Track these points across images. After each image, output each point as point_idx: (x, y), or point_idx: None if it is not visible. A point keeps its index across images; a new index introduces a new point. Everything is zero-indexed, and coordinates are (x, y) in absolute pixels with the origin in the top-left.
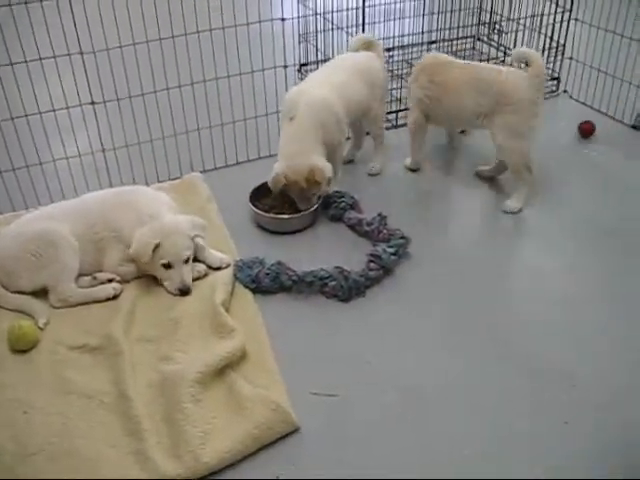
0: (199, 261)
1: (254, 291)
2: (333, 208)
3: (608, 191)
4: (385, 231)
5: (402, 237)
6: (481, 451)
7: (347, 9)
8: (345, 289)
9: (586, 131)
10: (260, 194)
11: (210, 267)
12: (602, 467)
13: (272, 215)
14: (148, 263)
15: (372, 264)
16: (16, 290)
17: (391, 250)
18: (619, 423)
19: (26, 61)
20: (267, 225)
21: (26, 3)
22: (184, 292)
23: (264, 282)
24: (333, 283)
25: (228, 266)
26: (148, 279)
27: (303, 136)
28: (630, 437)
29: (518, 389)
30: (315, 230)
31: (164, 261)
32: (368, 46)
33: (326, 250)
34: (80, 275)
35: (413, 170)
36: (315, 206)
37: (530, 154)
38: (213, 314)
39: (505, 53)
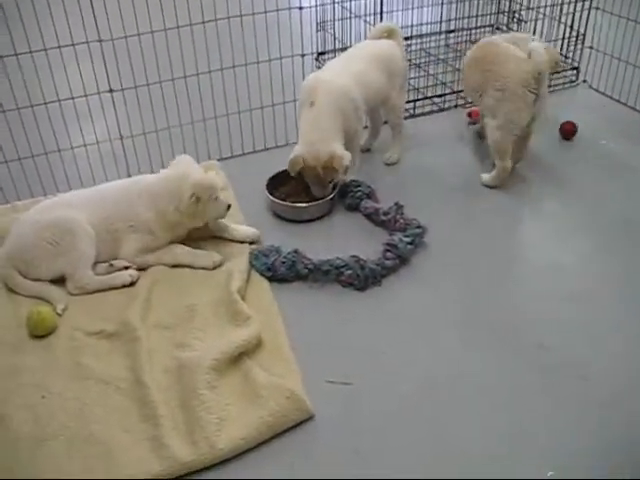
0: (221, 238)
1: (270, 279)
2: (350, 197)
3: (627, 183)
4: (401, 220)
5: (418, 226)
6: (492, 445)
7: None
8: (361, 278)
9: (568, 132)
10: (277, 182)
11: (234, 240)
12: (609, 464)
13: (289, 203)
14: (206, 208)
15: (388, 253)
16: (34, 278)
17: (407, 239)
18: (629, 420)
19: (45, 49)
20: (283, 213)
21: None
22: (229, 206)
23: (280, 270)
24: (349, 272)
25: (258, 239)
26: (165, 266)
27: (324, 123)
28: (637, 434)
29: (530, 384)
30: (331, 219)
31: (215, 195)
32: (389, 34)
33: (342, 239)
34: (97, 262)
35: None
36: (332, 195)
37: (505, 145)
38: (229, 302)
39: None
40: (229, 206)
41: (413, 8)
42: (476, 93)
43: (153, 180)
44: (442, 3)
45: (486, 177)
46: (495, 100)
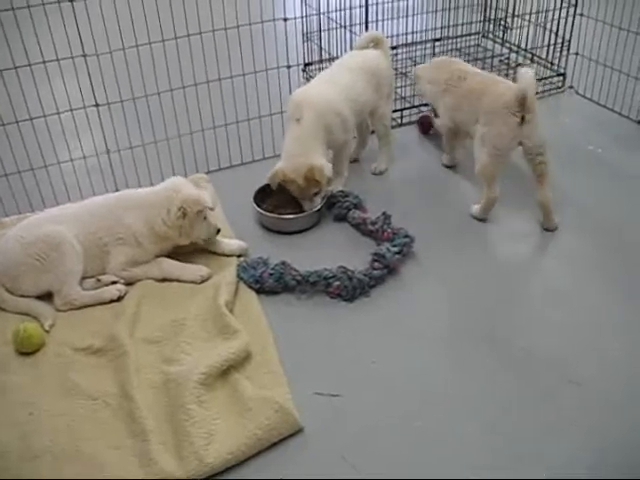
0: (209, 251)
1: (258, 291)
2: (337, 208)
3: (614, 188)
4: (389, 230)
5: (406, 236)
6: (484, 453)
7: (350, 8)
8: (349, 289)
9: (426, 126)
10: (264, 194)
11: (222, 254)
12: (604, 468)
13: (276, 215)
14: (193, 225)
15: (376, 263)
16: (21, 294)
17: (395, 249)
18: (624, 424)
19: (30, 64)
20: (271, 225)
21: (29, 7)
22: (218, 230)
23: (268, 282)
24: (337, 283)
25: (245, 251)
26: (152, 280)
27: (306, 138)
28: (635, 438)
29: (522, 390)
30: (319, 230)
31: (203, 213)
32: (375, 44)
33: (330, 250)
34: (84, 278)
35: (448, 167)
36: (319, 206)
37: (490, 171)
38: (217, 315)
39: (510, 49)
40: (219, 230)
41: (399, 17)
42: (475, 124)
43: (144, 191)
44: (428, 12)
45: (475, 209)
46: (483, 126)
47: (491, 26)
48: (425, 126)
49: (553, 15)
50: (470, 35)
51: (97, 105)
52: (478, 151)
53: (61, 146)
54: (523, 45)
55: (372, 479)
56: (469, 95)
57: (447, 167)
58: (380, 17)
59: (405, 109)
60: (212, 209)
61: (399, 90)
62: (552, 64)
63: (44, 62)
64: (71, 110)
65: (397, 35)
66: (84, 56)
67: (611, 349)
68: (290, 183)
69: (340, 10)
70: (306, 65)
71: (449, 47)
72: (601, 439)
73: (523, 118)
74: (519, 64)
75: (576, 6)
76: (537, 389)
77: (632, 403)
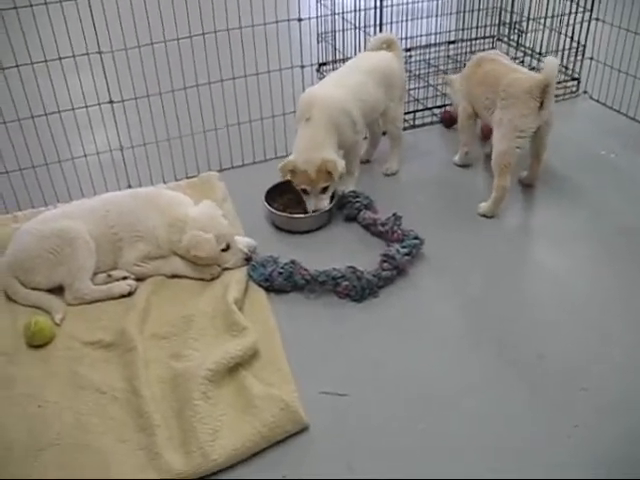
0: None
1: (267, 290)
2: (348, 208)
3: (626, 193)
4: (399, 231)
5: (416, 237)
6: (489, 456)
7: (365, 9)
8: (358, 289)
9: (447, 120)
10: (275, 193)
11: None
12: (607, 473)
13: (287, 214)
14: (207, 258)
15: (385, 264)
16: (33, 287)
17: (405, 250)
18: (629, 430)
19: (46, 60)
20: (282, 224)
21: (46, 4)
22: (250, 258)
23: (277, 281)
24: (346, 283)
25: (255, 249)
26: (162, 277)
27: (318, 137)
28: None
29: (530, 395)
30: (329, 230)
31: (223, 246)
32: (388, 45)
33: (340, 250)
34: (96, 273)
35: (460, 166)
36: (330, 206)
37: (508, 156)
38: (226, 312)
39: (525, 53)
40: (249, 258)
41: (414, 19)
42: (488, 110)
43: (175, 203)
44: (443, 14)
45: (483, 206)
46: (501, 109)
47: (506, 30)
48: (447, 121)
49: (568, 19)
50: (485, 38)
51: (112, 102)
52: (496, 136)
53: (75, 142)
54: (538, 49)
55: (371, 479)
56: (485, 80)
57: (459, 166)
58: (395, 19)
59: (418, 111)
60: (225, 249)
61: (413, 92)
62: (567, 69)
63: (60, 58)
64: (86, 106)
65: (411, 37)
66: (100, 53)
67: (614, 354)
68: (300, 174)
69: (355, 11)
70: (320, 65)
71: (464, 50)
72: (604, 446)
73: (542, 104)
74: (533, 68)
75: (592, 11)
76: (546, 395)
77: (634, 408)
